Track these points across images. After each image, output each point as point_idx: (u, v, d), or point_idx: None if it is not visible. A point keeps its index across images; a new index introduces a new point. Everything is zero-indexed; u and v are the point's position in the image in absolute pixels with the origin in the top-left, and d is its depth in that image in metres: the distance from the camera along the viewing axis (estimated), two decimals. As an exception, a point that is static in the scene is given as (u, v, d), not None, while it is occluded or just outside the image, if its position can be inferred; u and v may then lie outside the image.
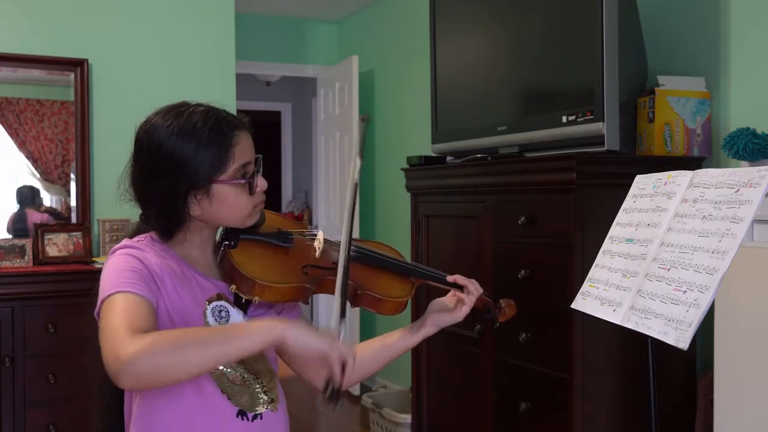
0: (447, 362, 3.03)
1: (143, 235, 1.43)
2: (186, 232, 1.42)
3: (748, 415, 2.03)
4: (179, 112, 1.40)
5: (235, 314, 1.42)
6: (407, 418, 3.63)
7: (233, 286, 1.38)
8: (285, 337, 1.20)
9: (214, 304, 1.40)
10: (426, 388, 3.17)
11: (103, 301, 1.27)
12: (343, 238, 1.36)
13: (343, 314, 1.27)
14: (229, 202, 1.39)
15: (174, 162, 1.36)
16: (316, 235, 1.53)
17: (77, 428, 3.22)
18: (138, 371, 1.14)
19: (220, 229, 1.48)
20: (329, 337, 1.22)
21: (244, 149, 1.40)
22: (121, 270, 1.30)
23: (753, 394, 2.01)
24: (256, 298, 1.37)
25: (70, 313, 3.26)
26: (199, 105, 1.43)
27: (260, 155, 1.45)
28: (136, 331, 1.18)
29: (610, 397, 2.41)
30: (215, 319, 1.38)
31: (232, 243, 1.42)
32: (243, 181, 1.39)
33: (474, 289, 1.57)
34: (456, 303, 1.58)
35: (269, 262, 1.43)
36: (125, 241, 1.40)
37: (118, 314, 1.22)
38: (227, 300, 1.42)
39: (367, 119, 1.43)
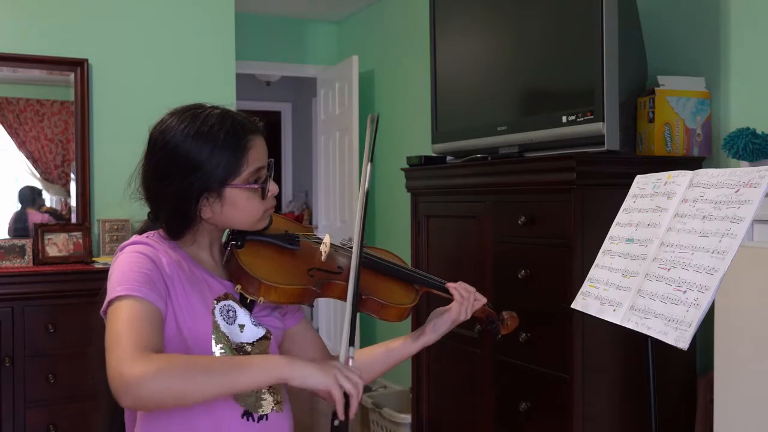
0: (447, 362, 3.03)
1: (152, 232, 1.43)
2: (195, 234, 1.43)
3: (748, 415, 2.02)
4: (195, 114, 1.40)
5: (242, 314, 1.43)
6: (407, 418, 3.63)
7: (239, 286, 1.39)
8: (290, 378, 1.23)
9: (222, 303, 1.40)
10: (426, 388, 3.18)
11: (110, 302, 1.27)
12: (353, 262, 1.35)
13: (352, 341, 1.29)
14: (241, 206, 1.40)
15: (189, 164, 1.36)
16: (322, 239, 1.54)
17: (77, 428, 3.22)
18: (140, 393, 1.14)
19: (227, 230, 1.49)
20: (332, 372, 1.23)
21: (258, 154, 1.40)
22: (131, 270, 1.30)
23: (753, 394, 2.01)
24: (262, 299, 1.38)
25: (70, 313, 3.26)
26: (214, 107, 1.43)
27: (272, 159, 1.45)
28: (144, 349, 1.18)
29: (610, 397, 2.41)
30: (223, 318, 1.39)
31: (239, 243, 1.43)
32: (256, 186, 1.40)
33: (460, 295, 1.58)
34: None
35: (275, 264, 1.44)
36: (135, 237, 1.41)
37: (125, 324, 1.22)
38: (234, 299, 1.43)
39: (375, 119, 1.42)
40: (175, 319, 1.34)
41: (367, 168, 1.37)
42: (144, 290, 1.28)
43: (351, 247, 1.48)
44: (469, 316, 1.59)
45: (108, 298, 1.28)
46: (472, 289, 1.60)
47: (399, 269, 1.59)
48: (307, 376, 1.23)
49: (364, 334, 5.15)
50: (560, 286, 2.36)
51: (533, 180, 2.53)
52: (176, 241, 1.43)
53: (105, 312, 1.29)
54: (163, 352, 1.24)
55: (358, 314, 1.46)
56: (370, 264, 1.55)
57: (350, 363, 1.29)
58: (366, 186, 1.36)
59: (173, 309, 1.34)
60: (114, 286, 1.28)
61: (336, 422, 1.23)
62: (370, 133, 1.40)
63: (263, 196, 1.41)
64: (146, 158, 1.43)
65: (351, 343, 1.29)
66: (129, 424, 1.43)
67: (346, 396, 1.23)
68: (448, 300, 1.62)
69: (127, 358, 1.16)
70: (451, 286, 1.60)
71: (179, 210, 1.38)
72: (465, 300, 1.57)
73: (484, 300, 1.61)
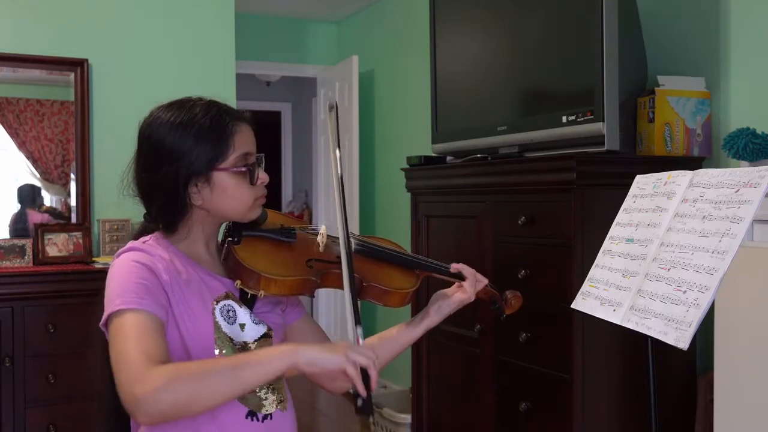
0: (447, 362, 3.03)
1: (148, 236, 1.43)
2: (188, 226, 1.43)
3: (748, 415, 2.03)
4: (181, 105, 1.43)
5: (242, 313, 1.42)
6: (407, 418, 3.63)
7: (238, 282, 1.39)
8: (297, 363, 1.21)
9: (222, 303, 1.40)
10: (426, 388, 3.18)
11: (111, 315, 1.27)
12: (342, 245, 1.36)
13: (357, 319, 1.28)
14: (230, 191, 1.40)
15: (175, 152, 1.37)
16: (318, 231, 1.54)
17: (77, 428, 3.22)
18: (155, 409, 1.14)
19: (223, 227, 1.49)
20: (342, 350, 1.21)
21: (244, 139, 1.42)
22: (129, 281, 1.30)
23: (753, 394, 2.01)
24: (262, 293, 1.39)
25: (70, 313, 3.26)
26: (201, 99, 1.46)
27: (262, 153, 1.46)
28: (150, 361, 1.18)
29: (610, 397, 2.41)
30: (224, 319, 1.39)
31: (236, 239, 1.43)
32: (243, 169, 1.40)
33: (471, 273, 1.60)
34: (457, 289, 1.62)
35: (273, 257, 1.44)
36: (131, 243, 1.41)
37: (131, 340, 1.22)
38: (234, 299, 1.42)
39: (334, 106, 1.45)
40: (176, 326, 1.34)
41: (336, 154, 1.40)
42: (144, 302, 1.27)
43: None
44: (474, 297, 1.60)
45: (108, 311, 1.28)
46: (474, 270, 1.63)
47: (398, 255, 1.61)
48: (316, 358, 1.21)
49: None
50: (560, 286, 2.36)
51: (533, 180, 2.53)
52: (171, 237, 1.43)
53: (105, 325, 1.29)
54: (170, 362, 1.23)
55: (359, 299, 1.46)
56: (369, 252, 1.56)
57: (360, 342, 1.28)
58: (338, 172, 1.39)
59: (174, 316, 1.34)
60: (113, 299, 1.28)
61: (359, 402, 1.19)
62: (332, 121, 1.43)
63: (252, 180, 1.41)
64: (136, 152, 1.44)
65: (357, 321, 1.28)
66: (134, 426, 1.43)
67: (364, 372, 1.20)
68: (450, 283, 1.64)
69: (136, 377, 1.16)
70: (455, 267, 1.61)
71: (169, 198, 1.38)
72: (471, 278, 1.60)
73: (485, 281, 1.63)
